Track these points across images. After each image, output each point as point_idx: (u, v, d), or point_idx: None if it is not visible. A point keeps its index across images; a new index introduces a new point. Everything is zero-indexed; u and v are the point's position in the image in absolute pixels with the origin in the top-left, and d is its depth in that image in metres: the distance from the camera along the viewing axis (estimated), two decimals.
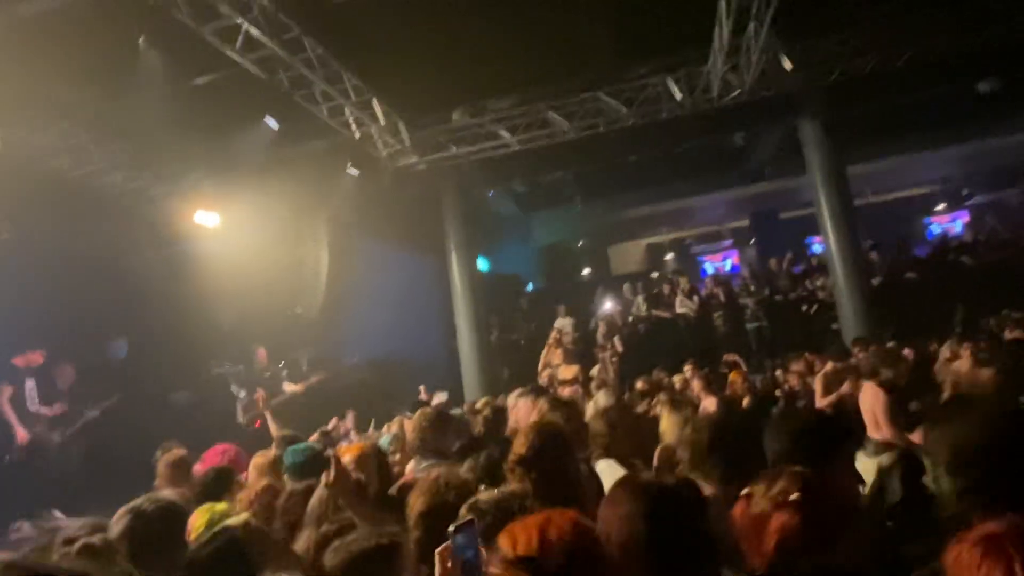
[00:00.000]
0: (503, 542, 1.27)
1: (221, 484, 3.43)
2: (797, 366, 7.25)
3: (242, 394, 8.03)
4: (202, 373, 8.32)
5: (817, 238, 12.68)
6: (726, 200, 16.98)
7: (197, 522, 2.62)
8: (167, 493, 2.77)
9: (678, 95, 9.37)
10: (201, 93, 7.50)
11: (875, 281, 10.92)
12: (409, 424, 3.87)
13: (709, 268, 17.59)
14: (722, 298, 12.29)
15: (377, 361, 9.48)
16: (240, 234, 8.42)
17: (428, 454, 3.55)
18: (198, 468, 4.09)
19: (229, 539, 2.07)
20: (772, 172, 14.68)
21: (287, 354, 9.20)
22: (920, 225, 16.34)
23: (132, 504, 2.35)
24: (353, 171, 9.84)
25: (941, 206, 16.75)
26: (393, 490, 2.97)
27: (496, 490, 2.12)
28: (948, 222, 16.40)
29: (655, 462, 2.60)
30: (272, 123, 8.38)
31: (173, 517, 2.38)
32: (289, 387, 8.70)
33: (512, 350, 12.33)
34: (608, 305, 12.93)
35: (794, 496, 1.36)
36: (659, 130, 10.16)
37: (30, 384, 7.33)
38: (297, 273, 9.61)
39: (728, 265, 17.53)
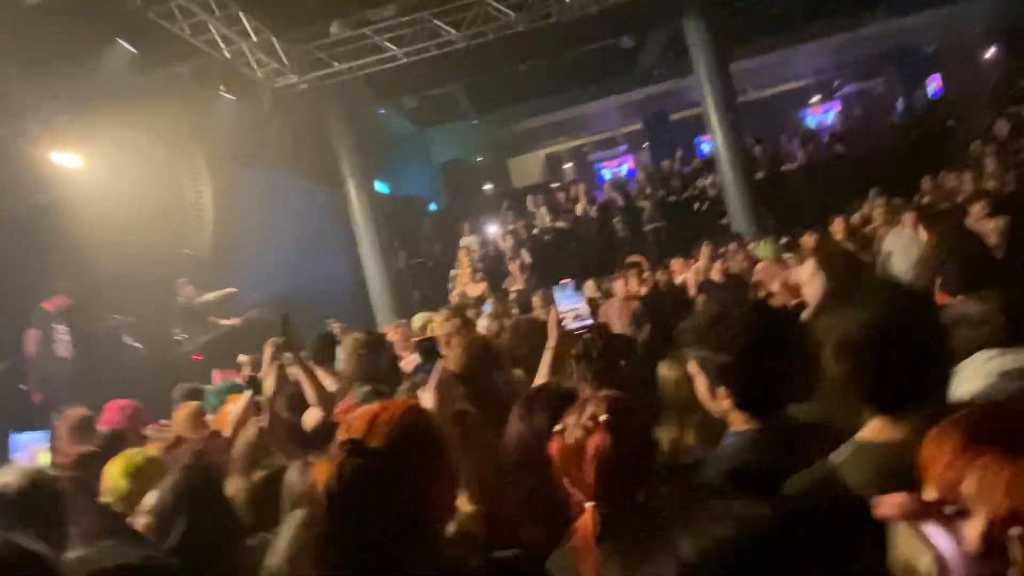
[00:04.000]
0: (340, 431, 1.30)
1: (115, 449, 3.27)
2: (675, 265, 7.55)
3: (179, 333, 7.87)
4: (88, 330, 7.72)
5: (705, 137, 13.12)
6: (618, 105, 17.13)
7: (113, 476, 2.44)
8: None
9: None
10: (36, 16, 6.54)
11: (759, 175, 11.52)
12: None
13: (607, 174, 17.91)
14: (620, 203, 12.64)
15: (280, 298, 9.12)
16: (108, 175, 7.63)
17: (366, 380, 3.47)
18: (102, 427, 3.89)
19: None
20: (661, 74, 14.88)
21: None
22: (797, 118, 17.22)
23: None
24: (227, 95, 9.06)
25: (815, 98, 17.66)
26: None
27: None
28: (821, 114, 17.36)
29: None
30: (127, 46, 7.49)
31: (40, 488, 1.95)
32: (223, 321, 8.36)
33: (420, 273, 12.24)
34: (493, 229, 12.89)
35: (603, 417, 1.36)
36: (549, 36, 9.97)
37: (62, 329, 6.88)
38: (179, 212, 8.92)
39: (624, 170, 17.90)
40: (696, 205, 12.42)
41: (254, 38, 8.45)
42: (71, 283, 7.23)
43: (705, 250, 5.30)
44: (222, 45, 8.26)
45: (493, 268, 11.20)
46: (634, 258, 7.25)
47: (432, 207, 15.74)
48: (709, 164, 12.40)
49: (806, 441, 1.46)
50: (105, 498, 2.35)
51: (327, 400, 3.11)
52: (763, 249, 5.75)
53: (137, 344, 7.67)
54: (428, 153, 16.40)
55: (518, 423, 1.78)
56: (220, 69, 8.79)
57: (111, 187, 7.52)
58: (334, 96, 10.31)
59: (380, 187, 12.00)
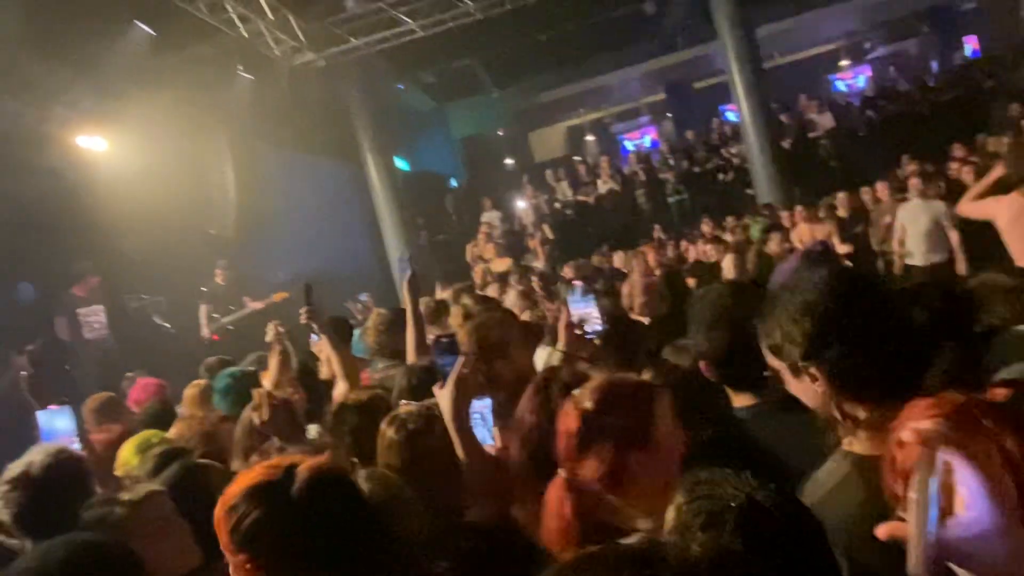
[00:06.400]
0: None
1: (166, 415, 3.30)
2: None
3: (205, 315, 7.89)
4: (117, 309, 7.88)
5: (730, 106, 12.81)
6: (641, 75, 16.79)
7: (126, 451, 2.51)
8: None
9: None
10: (54, 2, 6.59)
11: (786, 144, 11.23)
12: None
13: (629, 146, 17.65)
14: (643, 176, 12.45)
15: (304, 277, 9.16)
16: (133, 156, 7.72)
17: (386, 356, 3.48)
18: (131, 406, 3.96)
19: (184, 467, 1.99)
20: (684, 41, 14.51)
21: (209, 279, 8.80)
22: (826, 83, 16.71)
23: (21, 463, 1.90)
24: (246, 75, 9.08)
25: (845, 62, 17.08)
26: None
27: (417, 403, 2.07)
28: (851, 78, 16.80)
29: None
30: (145, 28, 7.51)
31: (69, 470, 1.93)
32: (251, 303, 8.36)
33: (442, 250, 12.25)
34: (522, 204, 12.75)
35: (583, 406, 1.35)
36: (567, 3, 9.78)
37: (92, 310, 7.01)
38: (203, 192, 9.01)
39: (647, 141, 17.61)
40: (721, 175, 12.18)
41: (270, 16, 8.42)
42: (97, 264, 7.35)
43: (704, 228, 5.23)
44: (239, 24, 8.25)
45: (515, 243, 11.15)
46: (656, 233, 7.15)
47: (453, 183, 15.69)
48: (735, 133, 12.12)
49: (797, 415, 1.40)
50: (117, 472, 2.40)
51: (354, 374, 3.13)
52: (754, 230, 5.63)
53: (166, 324, 7.83)
54: (448, 128, 16.30)
55: (529, 404, 1.77)
56: (238, 48, 8.79)
57: (136, 169, 7.61)
58: (352, 72, 10.27)
59: (400, 164, 11.97)
